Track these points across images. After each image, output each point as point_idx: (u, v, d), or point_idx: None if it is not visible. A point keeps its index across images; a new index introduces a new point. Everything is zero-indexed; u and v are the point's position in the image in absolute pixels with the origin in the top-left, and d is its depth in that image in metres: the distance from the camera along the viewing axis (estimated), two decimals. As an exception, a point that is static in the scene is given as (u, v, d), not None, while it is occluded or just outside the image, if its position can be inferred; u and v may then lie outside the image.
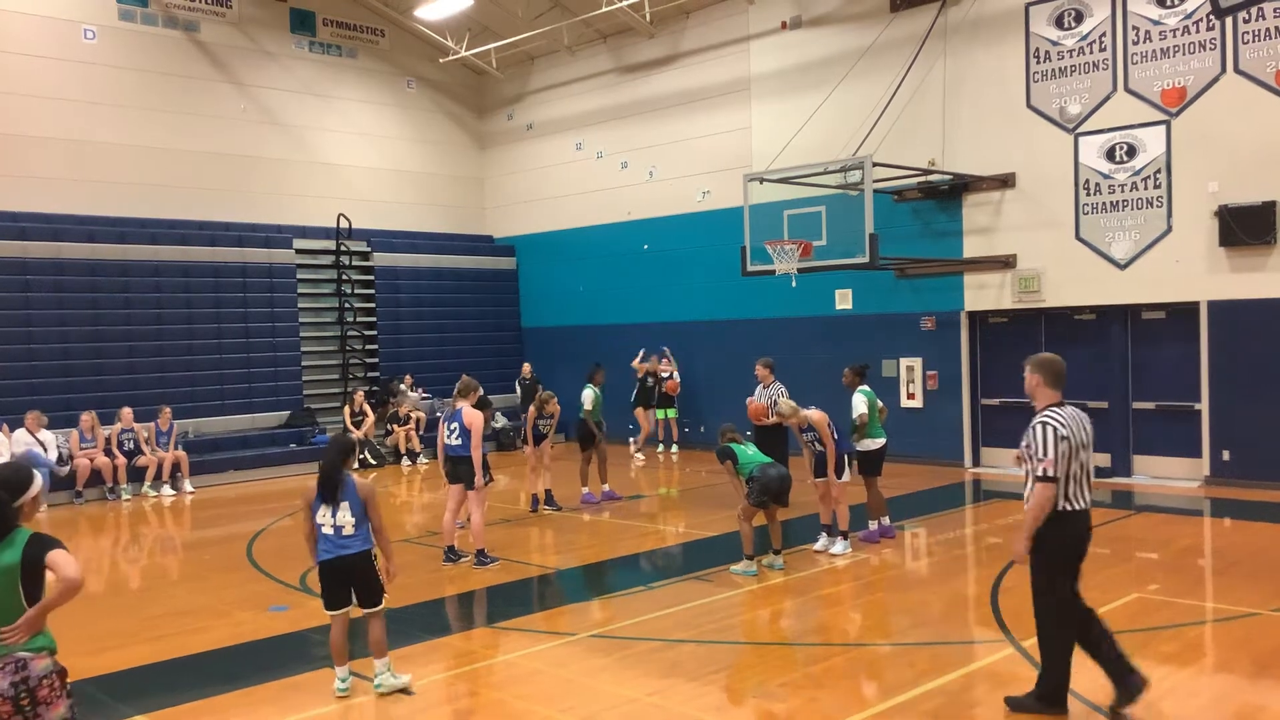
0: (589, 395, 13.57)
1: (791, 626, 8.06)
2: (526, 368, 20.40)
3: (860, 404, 10.58)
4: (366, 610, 6.41)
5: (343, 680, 6.45)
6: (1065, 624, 5.63)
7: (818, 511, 10.37)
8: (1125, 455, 14.13)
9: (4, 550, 4.11)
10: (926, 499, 13.14)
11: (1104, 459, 14.24)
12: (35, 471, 4.56)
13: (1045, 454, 5.46)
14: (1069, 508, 5.54)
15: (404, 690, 6.45)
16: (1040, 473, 5.47)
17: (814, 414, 10.02)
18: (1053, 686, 5.68)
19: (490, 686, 6.60)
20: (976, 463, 15.60)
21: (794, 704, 6.13)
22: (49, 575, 4.14)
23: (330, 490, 6.31)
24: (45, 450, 14.88)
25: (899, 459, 13.23)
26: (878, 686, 6.52)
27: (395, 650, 7.38)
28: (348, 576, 6.34)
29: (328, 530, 6.32)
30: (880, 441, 10.66)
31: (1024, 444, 5.60)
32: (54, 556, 4.11)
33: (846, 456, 10.18)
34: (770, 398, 11.59)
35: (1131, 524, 11.39)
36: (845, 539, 10.11)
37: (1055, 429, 5.50)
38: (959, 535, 11.07)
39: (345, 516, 6.29)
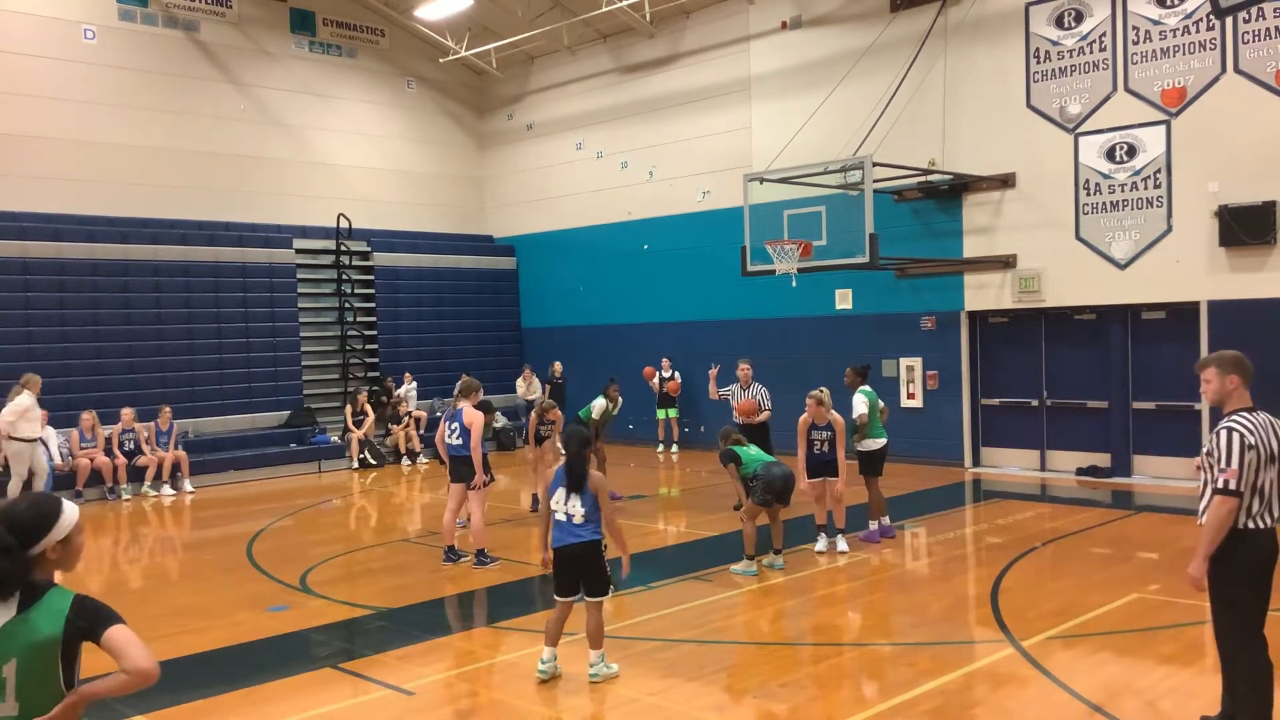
0: (599, 404, 13.53)
1: (791, 626, 8.06)
2: (558, 366, 20.25)
3: (861, 404, 10.59)
4: (589, 599, 6.56)
5: (544, 662, 6.55)
6: (1253, 646, 4.98)
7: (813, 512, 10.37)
8: (1125, 455, 14.13)
9: (38, 619, 2.99)
10: (926, 499, 13.14)
11: (1104, 459, 14.29)
12: (65, 503, 3.26)
13: (1229, 464, 4.84)
14: (1252, 525, 4.91)
15: (613, 676, 6.57)
16: (1221, 484, 4.86)
17: (837, 416, 10.07)
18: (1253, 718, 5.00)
19: (490, 686, 6.59)
20: (976, 463, 15.59)
21: (794, 704, 6.13)
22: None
23: (578, 481, 6.53)
24: (48, 448, 14.88)
25: (899, 459, 13.21)
26: (878, 686, 6.53)
27: (395, 650, 7.43)
28: (576, 564, 6.52)
29: (560, 517, 6.55)
30: (881, 441, 10.67)
31: (1205, 450, 5.03)
32: (115, 636, 3.02)
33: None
34: (754, 396, 12.06)
35: (1131, 524, 11.40)
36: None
37: (1242, 436, 4.87)
38: (959, 535, 11.07)
39: (577, 506, 6.50)
